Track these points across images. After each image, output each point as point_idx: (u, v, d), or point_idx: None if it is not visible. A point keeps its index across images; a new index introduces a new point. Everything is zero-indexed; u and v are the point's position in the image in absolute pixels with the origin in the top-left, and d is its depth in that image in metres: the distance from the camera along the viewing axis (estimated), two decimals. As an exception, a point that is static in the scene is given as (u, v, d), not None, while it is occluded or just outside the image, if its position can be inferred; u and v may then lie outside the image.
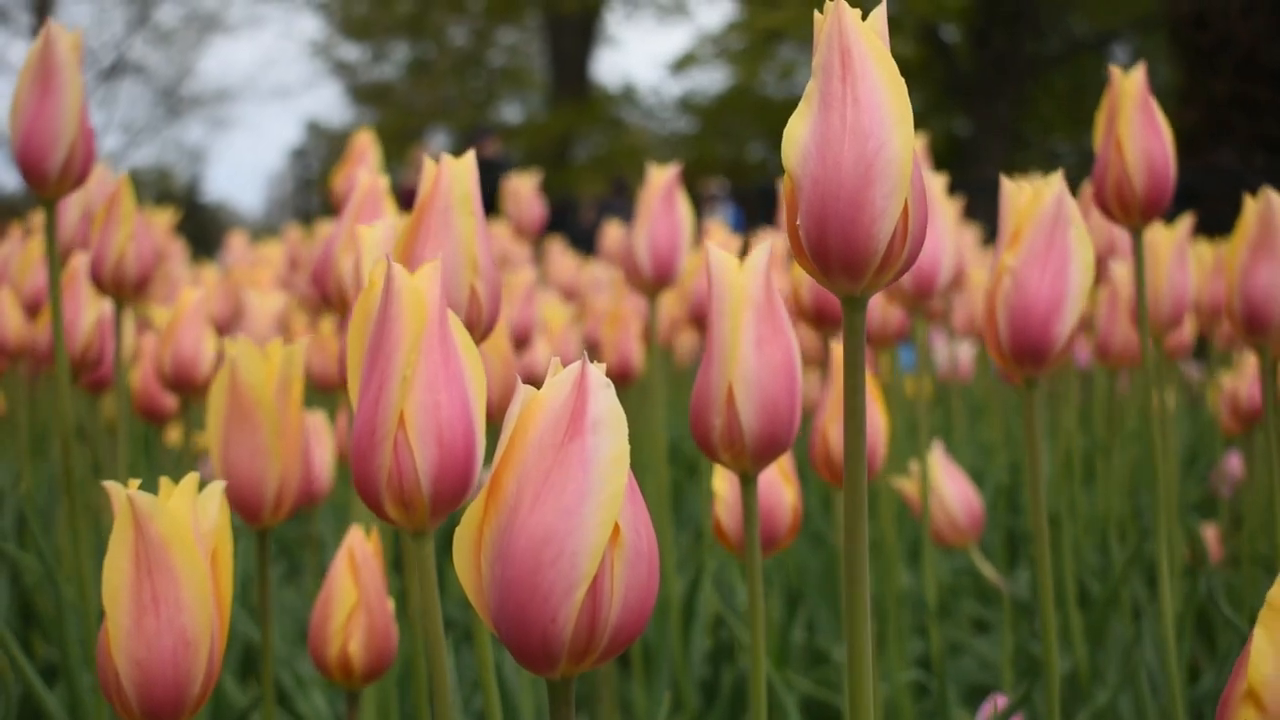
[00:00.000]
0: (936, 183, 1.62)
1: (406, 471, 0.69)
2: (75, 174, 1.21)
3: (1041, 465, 0.97)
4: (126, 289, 1.47)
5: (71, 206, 2.00)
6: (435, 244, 0.93)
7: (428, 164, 0.95)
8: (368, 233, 0.96)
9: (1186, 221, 1.67)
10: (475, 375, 0.71)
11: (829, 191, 0.63)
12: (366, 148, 2.35)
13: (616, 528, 0.54)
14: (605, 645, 0.56)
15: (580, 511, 0.54)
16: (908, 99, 0.63)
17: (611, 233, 3.68)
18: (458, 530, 0.56)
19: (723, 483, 1.13)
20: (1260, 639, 0.60)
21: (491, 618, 0.56)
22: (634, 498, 0.55)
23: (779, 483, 1.13)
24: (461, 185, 0.94)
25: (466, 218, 0.93)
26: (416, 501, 0.70)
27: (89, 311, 1.66)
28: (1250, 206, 1.28)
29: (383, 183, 1.31)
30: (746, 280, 0.85)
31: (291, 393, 1.01)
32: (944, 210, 1.59)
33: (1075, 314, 0.92)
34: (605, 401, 0.55)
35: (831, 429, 1.33)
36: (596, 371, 0.55)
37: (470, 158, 0.95)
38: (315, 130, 24.99)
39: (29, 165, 1.19)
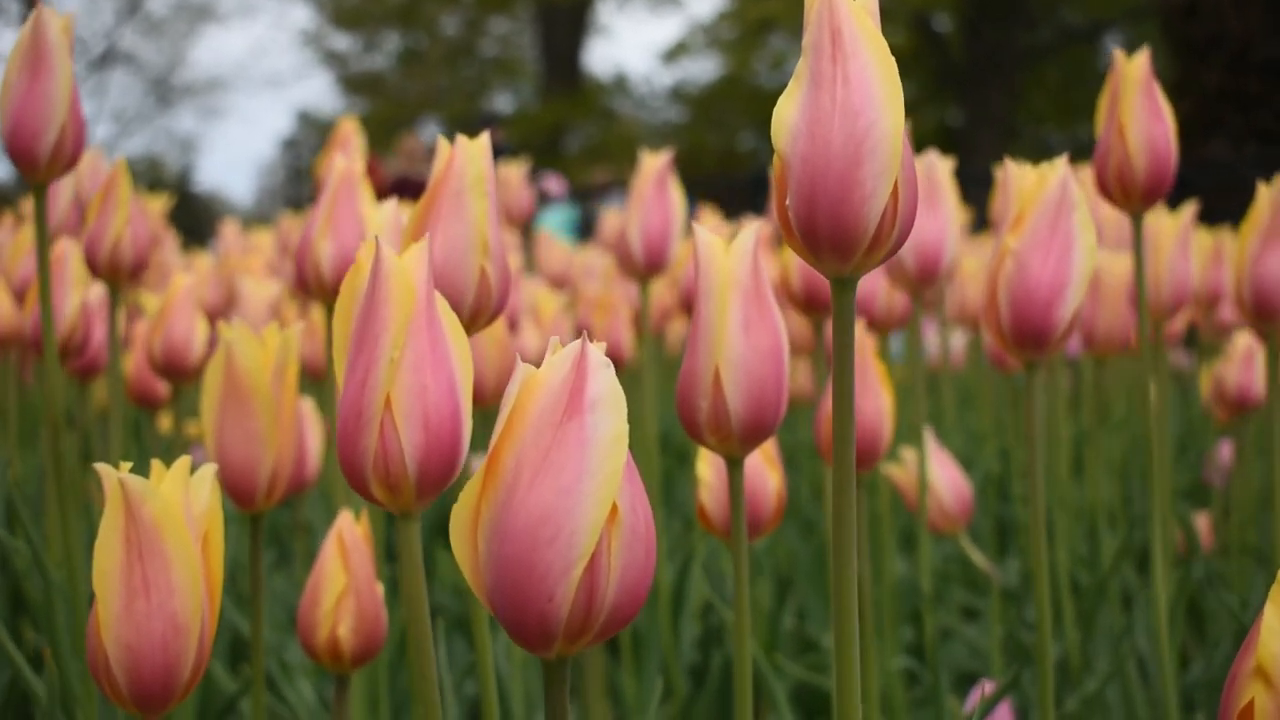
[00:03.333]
0: (943, 167, 1.61)
1: (392, 454, 0.69)
2: (65, 158, 1.21)
3: (1039, 451, 0.97)
4: (122, 274, 1.46)
5: (63, 192, 1.99)
6: (447, 226, 0.93)
7: (442, 145, 0.95)
8: (373, 215, 0.96)
9: (1190, 209, 1.67)
10: (462, 358, 0.71)
11: (818, 171, 0.62)
12: (350, 135, 2.35)
13: (614, 507, 0.54)
14: (601, 624, 0.56)
15: (578, 490, 0.54)
16: (898, 79, 0.63)
17: (608, 220, 3.69)
18: (455, 509, 0.56)
19: (707, 468, 1.13)
20: (1270, 617, 0.60)
21: (488, 596, 0.56)
22: (632, 478, 0.55)
23: (763, 468, 1.13)
24: (475, 168, 0.94)
25: (479, 200, 0.93)
26: (402, 484, 0.70)
27: (73, 296, 1.66)
28: (1264, 194, 1.29)
29: (359, 168, 1.31)
30: (733, 263, 0.85)
31: (287, 378, 1.01)
32: (948, 194, 1.59)
33: (1077, 298, 0.92)
34: (604, 381, 0.55)
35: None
36: (596, 351, 0.55)
37: (484, 140, 0.95)
38: (306, 120, 24.96)
39: (18, 149, 1.19)
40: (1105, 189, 1.20)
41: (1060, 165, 0.93)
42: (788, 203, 0.64)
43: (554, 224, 7.37)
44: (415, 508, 0.71)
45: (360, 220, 1.26)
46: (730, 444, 0.86)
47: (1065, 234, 0.92)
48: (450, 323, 0.71)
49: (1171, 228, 1.62)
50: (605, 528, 0.54)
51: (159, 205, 2.70)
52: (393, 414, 0.69)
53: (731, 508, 0.89)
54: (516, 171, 3.58)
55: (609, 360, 0.55)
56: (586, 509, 0.54)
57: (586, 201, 9.90)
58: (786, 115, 0.63)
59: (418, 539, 0.72)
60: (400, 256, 0.70)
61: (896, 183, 0.63)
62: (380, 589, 1.06)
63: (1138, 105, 1.18)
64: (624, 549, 0.55)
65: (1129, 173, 1.18)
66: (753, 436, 0.86)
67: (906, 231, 0.64)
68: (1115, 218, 2.20)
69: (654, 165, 1.73)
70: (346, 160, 1.31)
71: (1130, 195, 1.19)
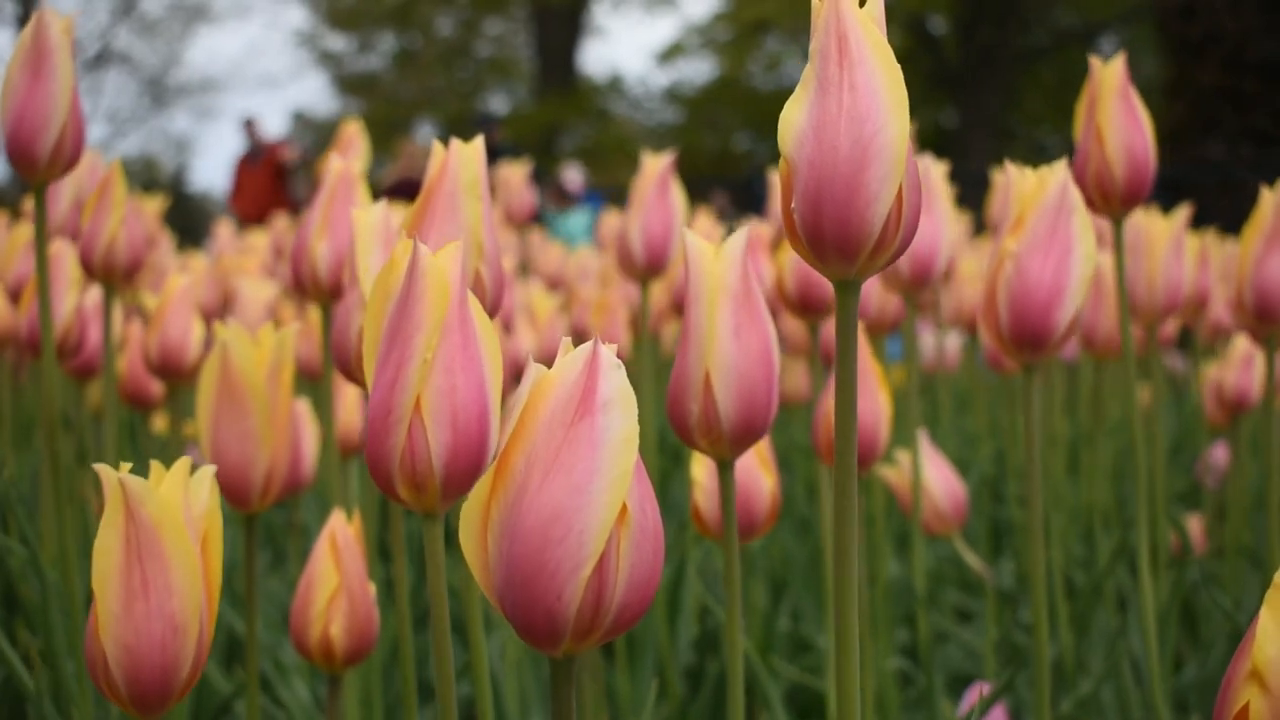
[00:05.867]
0: (938, 170, 1.61)
1: (420, 454, 0.69)
2: (65, 159, 1.21)
3: (1036, 453, 0.97)
4: (116, 275, 1.46)
5: (62, 194, 1.99)
6: (442, 228, 0.93)
7: (436, 148, 0.95)
8: (362, 217, 0.96)
9: (1183, 212, 1.68)
10: (492, 359, 0.71)
11: (824, 175, 0.63)
12: (354, 137, 2.35)
13: (624, 507, 0.55)
14: (610, 623, 0.56)
15: (589, 490, 0.54)
16: (904, 85, 0.64)
17: (607, 221, 3.69)
18: (464, 507, 0.57)
19: (702, 470, 1.13)
20: (1266, 620, 0.61)
21: (496, 594, 0.56)
22: (641, 478, 0.56)
23: (757, 469, 1.13)
24: (469, 170, 0.94)
25: (474, 202, 0.94)
26: (428, 484, 0.70)
27: (69, 297, 1.66)
28: (1267, 198, 1.29)
29: (357, 169, 1.31)
30: (723, 267, 0.85)
31: (282, 378, 1.01)
32: (943, 197, 1.59)
33: (1076, 302, 0.92)
34: (616, 381, 0.55)
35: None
36: (607, 352, 0.55)
37: (478, 143, 0.96)
38: (301, 121, 24.93)
39: (18, 150, 1.19)
40: (1085, 194, 1.21)
41: (1060, 168, 0.93)
42: (793, 206, 0.64)
43: (577, 228, 7.21)
44: (440, 508, 0.71)
45: (357, 221, 1.27)
46: (721, 447, 0.86)
47: (1065, 237, 0.92)
48: (482, 323, 0.71)
49: (1164, 230, 1.62)
50: (615, 527, 0.55)
51: (155, 206, 2.69)
52: (422, 414, 0.69)
53: (722, 510, 0.89)
54: (518, 172, 3.58)
55: (620, 362, 0.55)
56: (597, 508, 0.54)
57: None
58: (793, 119, 0.64)
59: (440, 539, 0.73)
60: (436, 256, 0.70)
61: (901, 187, 0.63)
62: (372, 589, 1.06)
63: (1115, 111, 1.19)
64: (633, 548, 0.56)
65: (1107, 178, 1.19)
66: (743, 439, 0.86)
67: (910, 235, 0.65)
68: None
69: (656, 167, 1.73)
70: (344, 162, 1.31)
71: (1109, 200, 1.20)
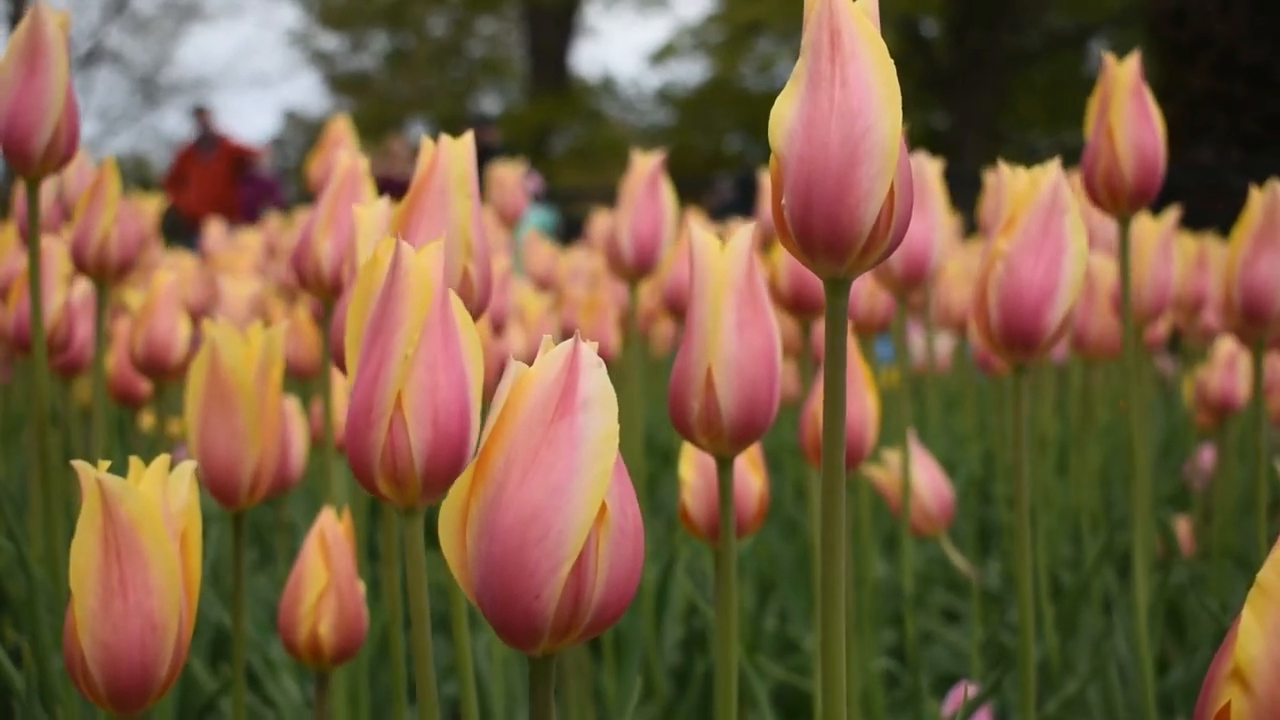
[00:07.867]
0: (932, 168, 1.61)
1: (401, 450, 0.70)
2: (59, 155, 1.21)
3: (1026, 454, 0.97)
4: (109, 272, 1.46)
5: (45, 190, 1.99)
6: (430, 225, 0.93)
7: (425, 144, 0.95)
8: (364, 213, 0.96)
9: (1172, 214, 1.68)
10: (474, 357, 0.71)
11: (815, 171, 0.62)
12: (342, 135, 2.35)
13: (603, 506, 0.55)
14: (589, 623, 0.56)
15: (568, 489, 0.54)
16: (896, 81, 0.63)
17: (599, 221, 3.69)
18: (444, 505, 0.56)
19: (690, 469, 1.13)
20: (1248, 619, 0.61)
21: (475, 593, 0.56)
22: (621, 477, 0.56)
23: (746, 469, 1.13)
24: (459, 167, 0.94)
25: (463, 200, 0.94)
26: (409, 480, 0.70)
27: (57, 293, 1.66)
28: (1256, 198, 1.29)
29: (362, 165, 1.31)
30: (728, 263, 0.85)
31: (271, 376, 1.01)
32: (937, 196, 1.59)
33: (1067, 302, 0.92)
34: (596, 380, 0.55)
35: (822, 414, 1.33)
36: (588, 350, 0.55)
37: (468, 140, 0.95)
38: (293, 120, 24.88)
39: (13, 145, 1.19)
40: (1093, 192, 1.21)
41: (1053, 168, 0.93)
42: (783, 202, 0.63)
43: (529, 225, 7.27)
44: (420, 504, 0.72)
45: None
46: (721, 444, 0.86)
47: (1057, 237, 0.92)
48: (464, 322, 0.71)
49: (1153, 232, 1.62)
50: (594, 527, 0.55)
51: (152, 206, 2.69)
52: (403, 410, 0.69)
53: (720, 508, 0.89)
54: (512, 172, 3.58)
55: (600, 360, 0.55)
56: (576, 508, 0.54)
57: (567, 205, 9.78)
58: (784, 115, 0.63)
59: (420, 535, 0.73)
60: (418, 254, 0.70)
61: (893, 185, 0.63)
62: (362, 587, 1.06)
63: (1127, 109, 1.19)
64: (612, 548, 0.55)
65: (1117, 176, 1.19)
66: (744, 436, 0.86)
67: (901, 234, 0.64)
68: (1110, 221, 2.21)
69: (645, 166, 1.73)
70: (349, 157, 1.31)
71: (1118, 199, 1.20)
